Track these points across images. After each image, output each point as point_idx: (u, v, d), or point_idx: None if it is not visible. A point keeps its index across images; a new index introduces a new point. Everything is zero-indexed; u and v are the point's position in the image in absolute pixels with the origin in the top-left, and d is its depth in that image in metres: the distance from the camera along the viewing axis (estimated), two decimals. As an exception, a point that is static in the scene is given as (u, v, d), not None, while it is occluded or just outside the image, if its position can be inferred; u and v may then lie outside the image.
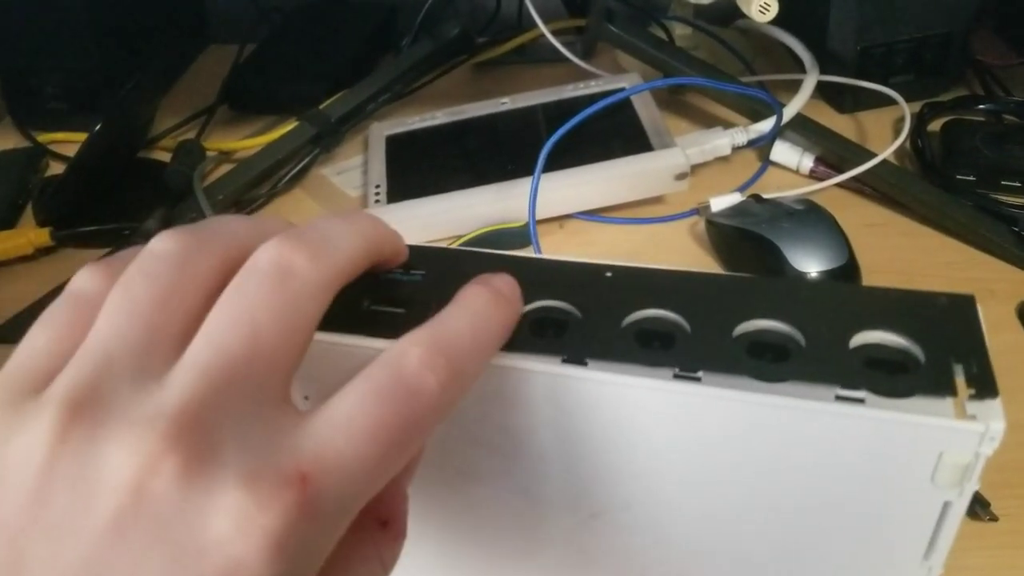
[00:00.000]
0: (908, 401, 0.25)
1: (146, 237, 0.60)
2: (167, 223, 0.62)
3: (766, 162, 0.67)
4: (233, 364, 0.21)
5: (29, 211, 0.69)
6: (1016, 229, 0.58)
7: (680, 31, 0.80)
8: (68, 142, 0.74)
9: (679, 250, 0.62)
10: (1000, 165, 0.64)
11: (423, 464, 0.28)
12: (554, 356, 0.27)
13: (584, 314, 0.29)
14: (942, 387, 0.25)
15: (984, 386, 0.25)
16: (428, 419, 0.23)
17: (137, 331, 0.22)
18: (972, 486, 0.27)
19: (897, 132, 0.65)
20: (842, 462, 0.27)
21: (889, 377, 0.26)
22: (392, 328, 0.28)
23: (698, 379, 0.26)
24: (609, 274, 0.30)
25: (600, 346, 0.27)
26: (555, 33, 0.74)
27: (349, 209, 0.29)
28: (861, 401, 0.26)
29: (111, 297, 0.23)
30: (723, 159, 0.66)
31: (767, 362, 0.27)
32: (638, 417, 0.28)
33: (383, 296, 0.30)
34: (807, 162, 0.65)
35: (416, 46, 0.74)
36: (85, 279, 0.24)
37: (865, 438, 0.26)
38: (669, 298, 0.29)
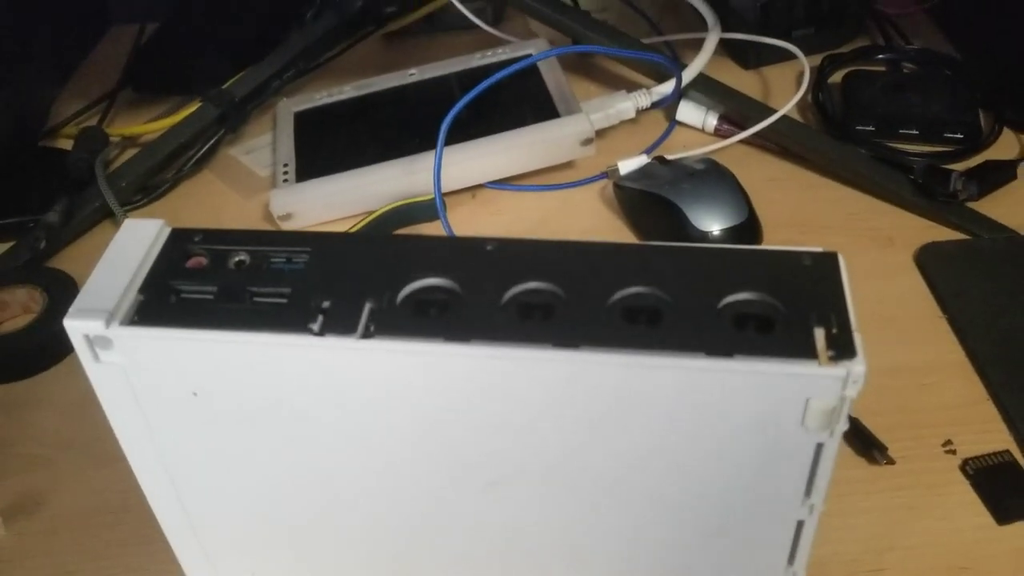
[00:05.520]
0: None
1: (48, 229, 0.59)
2: (70, 213, 0.61)
3: (673, 122, 0.68)
4: None
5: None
6: (912, 177, 0.60)
7: (590, -8, 0.80)
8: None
9: (589, 214, 0.62)
10: (897, 114, 0.65)
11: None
12: (437, 337, 0.28)
13: (465, 290, 0.29)
14: (801, 350, 0.26)
15: (843, 346, 0.26)
16: None
17: None
18: (842, 427, 0.28)
19: (799, 86, 0.66)
20: (718, 413, 0.28)
21: (755, 336, 0.27)
22: (277, 317, 0.28)
23: (575, 347, 0.27)
24: (490, 247, 0.31)
25: (482, 323, 0.28)
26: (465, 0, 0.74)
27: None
28: (730, 356, 0.27)
29: None
30: (631, 121, 0.67)
31: (641, 326, 0.28)
32: (528, 389, 0.29)
33: (266, 284, 0.30)
34: (711, 121, 0.66)
35: (320, 20, 0.73)
36: None
37: (735, 390, 0.27)
38: (548, 269, 0.29)
